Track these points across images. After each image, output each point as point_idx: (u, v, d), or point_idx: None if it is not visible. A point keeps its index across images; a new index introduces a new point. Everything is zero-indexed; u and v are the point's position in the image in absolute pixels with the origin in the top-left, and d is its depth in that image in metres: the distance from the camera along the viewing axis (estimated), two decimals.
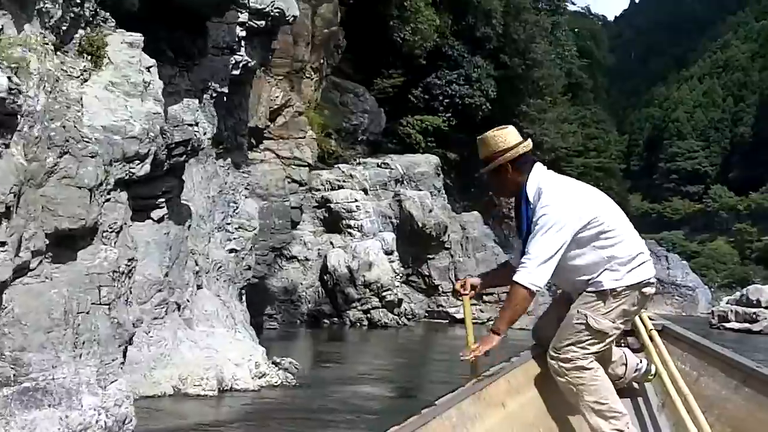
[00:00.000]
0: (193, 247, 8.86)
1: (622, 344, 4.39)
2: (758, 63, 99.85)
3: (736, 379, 4.05)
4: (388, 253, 19.80)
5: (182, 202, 8.65)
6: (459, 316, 22.79)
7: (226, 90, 9.17)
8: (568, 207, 3.71)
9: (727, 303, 31.23)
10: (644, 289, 3.81)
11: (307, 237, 20.12)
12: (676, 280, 47.69)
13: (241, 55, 9.88)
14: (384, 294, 19.12)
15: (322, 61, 14.96)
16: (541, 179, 3.83)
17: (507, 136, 3.88)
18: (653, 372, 4.19)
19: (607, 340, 3.80)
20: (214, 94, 9.05)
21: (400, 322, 19.64)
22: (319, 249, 19.97)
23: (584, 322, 3.72)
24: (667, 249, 58.14)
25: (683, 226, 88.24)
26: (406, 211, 21.44)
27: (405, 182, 23.57)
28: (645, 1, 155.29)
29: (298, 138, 14.10)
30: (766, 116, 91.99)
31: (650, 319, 4.46)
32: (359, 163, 23.62)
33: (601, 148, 70.48)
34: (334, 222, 20.84)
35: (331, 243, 20.12)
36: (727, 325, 28.97)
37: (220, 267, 9.32)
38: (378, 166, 23.40)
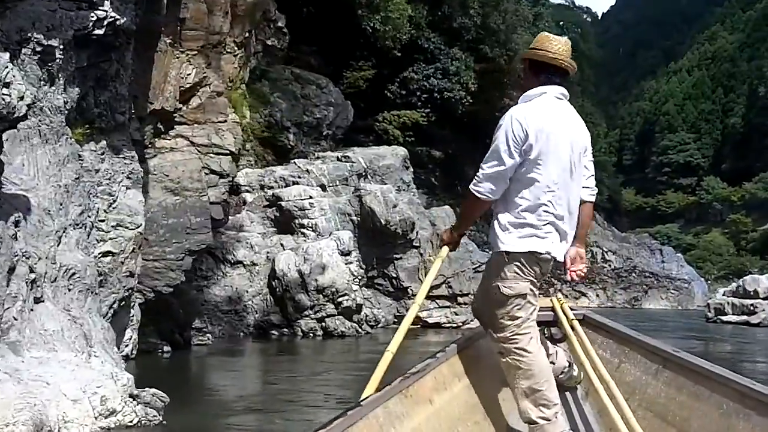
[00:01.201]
0: (31, 250, 6.84)
1: (545, 334, 4.42)
2: (746, 53, 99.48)
3: (656, 363, 4.12)
4: (344, 254, 17.71)
5: (7, 191, 6.64)
6: (431, 320, 20.80)
7: (55, 43, 7.11)
8: (523, 125, 3.67)
9: (723, 295, 30.06)
10: (541, 256, 3.75)
11: (255, 239, 18.03)
12: (671, 273, 46.40)
13: (105, 11, 7.85)
14: (340, 300, 17.00)
15: (247, 35, 12.91)
16: (535, 95, 3.82)
17: (550, 42, 3.87)
18: (579, 378, 4.29)
19: (530, 299, 3.75)
20: (38, 49, 6.99)
21: (360, 330, 17.52)
22: (267, 252, 17.86)
23: (498, 292, 3.73)
24: (662, 242, 56.96)
25: (678, 219, 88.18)
26: (367, 207, 19.36)
27: (369, 176, 21.54)
28: None
29: (217, 122, 12.03)
30: (756, 106, 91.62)
31: (571, 309, 4.55)
32: (317, 158, 21.58)
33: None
34: (285, 222, 18.74)
35: (282, 245, 18.03)
36: (724, 318, 27.82)
37: (74, 274, 7.26)
38: (338, 159, 21.36)
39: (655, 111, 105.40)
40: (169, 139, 11.77)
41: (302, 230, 18.42)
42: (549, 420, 3.64)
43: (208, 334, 14.79)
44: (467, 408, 3.84)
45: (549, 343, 4.30)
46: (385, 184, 21.13)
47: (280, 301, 17.03)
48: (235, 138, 12.37)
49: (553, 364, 4.12)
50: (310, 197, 18.97)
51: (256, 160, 22.27)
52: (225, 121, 12.22)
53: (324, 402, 10.40)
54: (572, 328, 4.35)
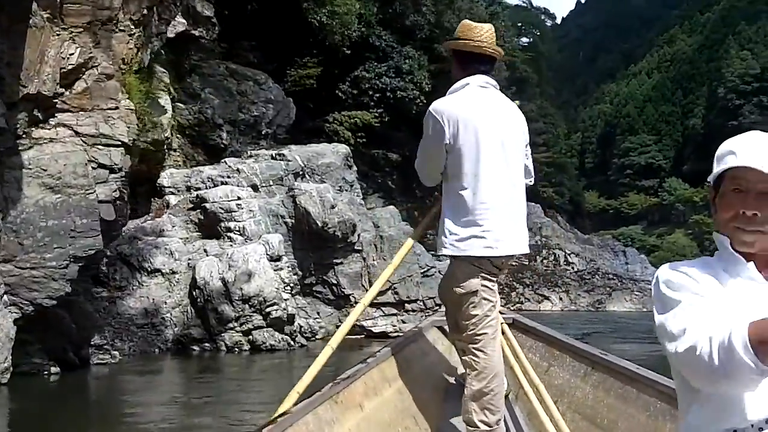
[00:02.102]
0: None
1: None
2: (705, 54, 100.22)
3: (584, 366, 4.16)
4: (273, 259, 16.08)
5: None
6: (377, 329, 19.26)
7: None
8: (440, 118, 3.63)
9: None
10: (486, 255, 3.63)
11: (175, 245, 16.31)
12: (635, 275, 45.77)
13: None
14: (268, 310, 15.33)
15: (146, 11, 11.34)
16: (459, 87, 3.74)
17: (472, 30, 3.75)
18: (508, 390, 4.18)
19: (485, 296, 3.66)
20: None
21: (293, 342, 15.89)
22: (189, 259, 16.14)
23: (455, 293, 3.70)
24: (625, 244, 56.39)
25: (641, 220, 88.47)
26: (302, 207, 17.75)
27: (307, 176, 19.93)
28: (591, 0, 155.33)
29: (106, 109, 10.39)
30: (716, 107, 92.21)
31: (501, 313, 4.41)
32: (250, 156, 19.92)
33: (551, 142, 68.58)
34: (210, 225, 17.02)
35: (205, 251, 16.35)
36: None
37: None
38: (272, 158, 19.69)
39: (616, 114, 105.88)
40: (49, 129, 10.11)
41: (228, 234, 16.75)
42: (490, 427, 3.61)
43: (114, 352, 13.05)
44: (397, 413, 3.80)
45: None
46: (324, 183, 19.57)
47: (201, 312, 15.34)
48: (128, 127, 10.70)
49: None
50: (239, 198, 17.32)
51: (185, 160, 20.64)
52: (116, 107, 10.57)
53: (243, 426, 8.90)
54: (502, 332, 4.29)
